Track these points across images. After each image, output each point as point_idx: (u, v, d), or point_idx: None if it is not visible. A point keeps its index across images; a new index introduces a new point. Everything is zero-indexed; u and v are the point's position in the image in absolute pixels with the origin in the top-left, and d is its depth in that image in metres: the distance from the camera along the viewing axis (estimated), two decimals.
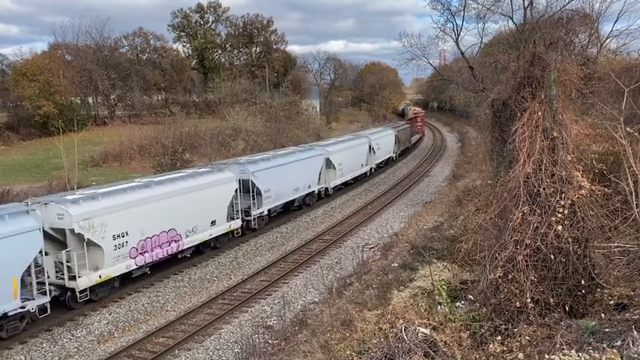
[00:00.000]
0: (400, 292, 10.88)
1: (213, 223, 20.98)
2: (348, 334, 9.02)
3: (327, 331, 10.10)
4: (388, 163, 45.16)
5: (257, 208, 24.23)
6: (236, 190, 22.46)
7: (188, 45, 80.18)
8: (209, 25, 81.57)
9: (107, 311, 16.13)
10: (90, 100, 62.64)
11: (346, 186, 34.93)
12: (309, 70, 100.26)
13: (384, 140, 42.90)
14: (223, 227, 21.74)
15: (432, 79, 64.82)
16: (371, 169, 39.79)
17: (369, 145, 38.81)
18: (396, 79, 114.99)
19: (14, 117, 52.58)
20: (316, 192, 30.17)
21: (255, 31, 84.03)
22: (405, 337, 7.29)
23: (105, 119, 59.50)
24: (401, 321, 8.21)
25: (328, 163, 31.37)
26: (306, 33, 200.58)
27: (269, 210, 25.39)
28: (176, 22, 79.22)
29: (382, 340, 7.85)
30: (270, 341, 13.43)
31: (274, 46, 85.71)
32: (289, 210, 28.01)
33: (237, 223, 22.66)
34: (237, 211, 22.79)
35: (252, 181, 23.56)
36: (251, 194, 23.68)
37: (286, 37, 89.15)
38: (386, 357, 7.12)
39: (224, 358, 13.26)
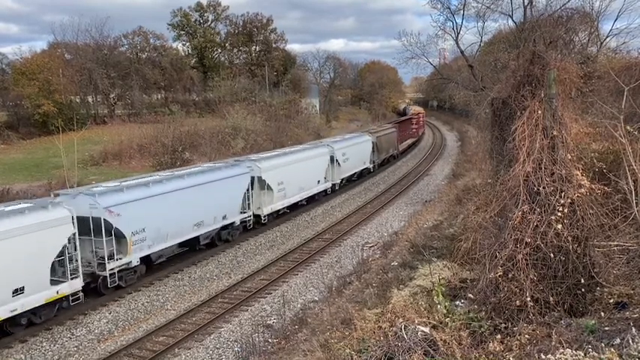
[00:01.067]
0: (400, 291, 10.87)
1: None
2: (347, 333, 9.01)
3: (327, 330, 10.11)
4: (363, 175, 38.58)
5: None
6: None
7: (188, 44, 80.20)
8: (209, 23, 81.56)
9: (107, 310, 16.13)
10: (89, 99, 62.63)
11: (295, 209, 27.86)
12: (309, 68, 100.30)
13: (354, 149, 35.61)
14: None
15: (431, 77, 63.47)
16: (334, 185, 32.35)
17: (332, 157, 31.44)
18: (395, 78, 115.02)
19: (14, 116, 52.58)
20: (237, 223, 22.93)
21: (255, 29, 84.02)
22: (405, 335, 7.29)
23: (104, 118, 59.47)
24: (401, 320, 8.21)
25: (262, 183, 24.38)
26: (307, 32, 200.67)
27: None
28: (176, 21, 79.21)
29: (382, 338, 7.85)
30: (270, 340, 13.44)
31: (274, 45, 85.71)
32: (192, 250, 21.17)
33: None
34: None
35: None
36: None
37: (286, 36, 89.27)
38: (386, 356, 7.13)
39: (224, 356, 13.27)
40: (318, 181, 29.88)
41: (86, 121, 49.27)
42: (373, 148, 39.88)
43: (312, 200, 29.67)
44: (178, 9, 79.22)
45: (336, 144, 32.95)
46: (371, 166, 39.94)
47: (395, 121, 59.17)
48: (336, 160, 31.74)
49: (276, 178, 25.28)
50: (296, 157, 27.74)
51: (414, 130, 63.70)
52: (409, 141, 58.77)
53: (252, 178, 23.72)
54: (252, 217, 23.99)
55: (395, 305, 9.37)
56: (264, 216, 24.81)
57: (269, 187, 24.87)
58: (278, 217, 26.28)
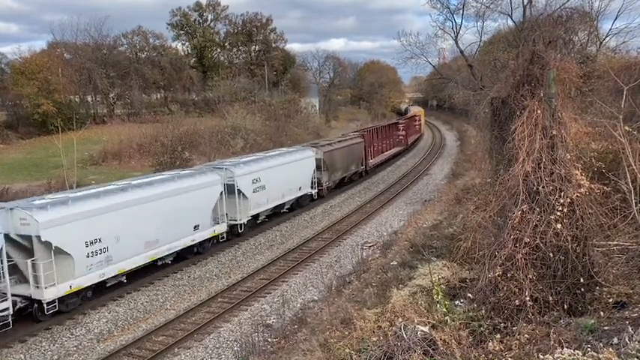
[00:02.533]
0: (399, 291, 10.88)
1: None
2: (347, 333, 9.02)
3: (327, 330, 10.11)
4: (301, 204, 28.67)
5: None
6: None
7: (187, 43, 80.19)
8: (208, 23, 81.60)
9: (106, 310, 16.13)
10: (89, 98, 62.62)
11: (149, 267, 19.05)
12: (309, 68, 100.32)
13: (281, 172, 25.56)
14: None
15: (431, 77, 63.09)
16: (240, 225, 22.93)
17: (230, 185, 22.03)
18: (395, 78, 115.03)
19: (13, 116, 52.58)
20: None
21: (255, 29, 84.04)
22: (405, 335, 7.30)
23: (104, 118, 59.47)
24: (400, 319, 8.22)
25: (57, 250, 15.03)
26: (307, 32, 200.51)
27: None
28: (175, 20, 79.24)
29: (381, 338, 7.86)
30: (269, 340, 13.44)
31: (273, 45, 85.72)
32: None
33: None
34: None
35: None
36: None
37: (285, 36, 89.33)
38: (385, 355, 7.13)
39: (223, 356, 13.27)
40: (194, 226, 19.94)
41: (85, 121, 49.28)
42: (321, 166, 30.30)
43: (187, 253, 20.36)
44: (177, 8, 79.36)
45: (244, 167, 23.41)
46: (314, 191, 29.40)
47: (368, 129, 45.12)
48: (242, 193, 22.60)
49: (78, 237, 15.96)
50: (152, 193, 18.21)
51: (400, 139, 52.38)
52: (391, 152, 48.06)
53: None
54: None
55: (394, 305, 9.38)
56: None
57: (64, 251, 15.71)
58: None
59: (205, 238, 20.85)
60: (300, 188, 28.04)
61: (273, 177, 24.86)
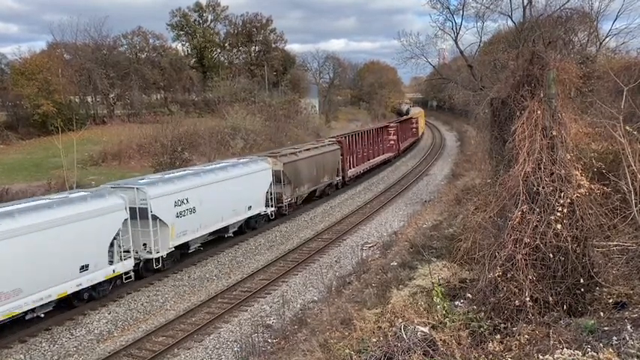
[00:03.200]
0: (399, 291, 10.89)
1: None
2: (347, 333, 9.02)
3: (327, 330, 10.11)
4: (252, 226, 23.93)
5: None
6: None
7: (187, 44, 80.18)
8: (208, 24, 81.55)
9: (106, 310, 16.12)
10: (89, 99, 62.60)
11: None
12: (309, 69, 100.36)
13: (224, 190, 21.03)
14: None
15: (431, 77, 62.90)
16: (158, 260, 18.36)
17: (143, 210, 17.78)
18: (395, 78, 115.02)
19: (13, 116, 52.56)
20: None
21: (255, 29, 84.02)
22: (405, 336, 7.30)
23: (104, 118, 59.45)
24: (400, 320, 8.22)
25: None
26: (307, 32, 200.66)
27: None
28: (175, 21, 79.22)
29: (381, 339, 7.86)
30: (269, 340, 13.44)
31: (273, 45, 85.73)
32: None
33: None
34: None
35: None
36: None
37: (285, 36, 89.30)
38: (385, 356, 7.13)
39: (223, 357, 13.26)
40: (82, 268, 15.50)
41: (85, 122, 49.27)
42: (281, 179, 25.66)
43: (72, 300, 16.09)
44: (177, 9, 79.31)
45: (156, 186, 18.43)
46: (270, 210, 24.82)
47: (346, 134, 39.59)
48: (153, 216, 17.85)
49: None
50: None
51: (391, 144, 47.71)
52: (378, 159, 42.99)
53: None
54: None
55: (394, 305, 9.39)
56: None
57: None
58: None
59: (98, 281, 16.01)
60: (249, 208, 23.10)
61: (209, 196, 20.09)
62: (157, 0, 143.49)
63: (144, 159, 39.94)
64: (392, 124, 50.91)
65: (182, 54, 78.53)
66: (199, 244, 20.92)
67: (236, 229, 22.97)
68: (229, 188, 21.39)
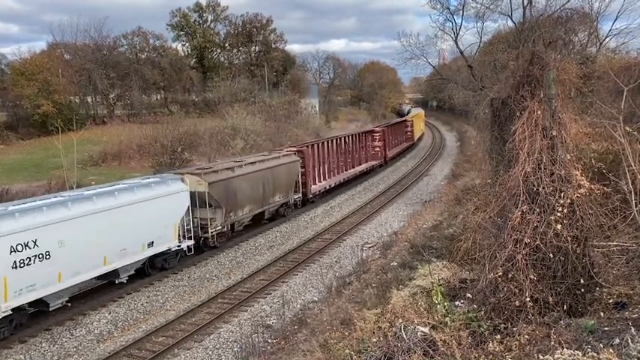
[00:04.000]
0: (399, 291, 10.88)
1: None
2: (347, 333, 9.02)
3: (327, 330, 10.11)
4: (158, 266, 18.73)
5: None
6: None
7: (187, 44, 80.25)
8: (208, 24, 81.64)
9: (106, 310, 16.12)
10: (89, 99, 62.67)
11: None
12: (309, 69, 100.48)
13: (107, 222, 15.87)
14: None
15: (431, 78, 62.57)
16: None
17: None
18: (395, 79, 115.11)
19: (13, 116, 52.64)
20: None
21: (255, 30, 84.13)
22: (405, 336, 7.29)
23: (104, 118, 59.52)
24: (400, 320, 8.22)
25: None
26: (308, 32, 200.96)
27: None
28: (175, 21, 79.30)
29: (381, 339, 7.86)
30: (269, 340, 13.44)
31: (273, 46, 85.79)
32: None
33: None
34: None
35: None
36: None
37: (285, 36, 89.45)
38: (385, 356, 7.13)
39: (223, 357, 13.26)
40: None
41: (85, 122, 49.31)
42: (207, 202, 20.37)
43: None
44: (177, 9, 79.44)
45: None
46: (187, 244, 19.48)
47: (311, 143, 33.67)
48: None
49: None
50: None
51: (376, 151, 42.74)
52: (356, 170, 37.45)
53: None
54: None
55: (394, 305, 9.38)
56: None
57: None
58: None
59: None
60: (150, 244, 17.63)
61: (78, 234, 14.92)
62: (156, 0, 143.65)
63: (144, 159, 39.97)
64: (377, 129, 45.00)
65: (182, 54, 78.63)
66: (66, 299, 15.22)
67: (132, 272, 17.44)
68: (115, 220, 16.11)
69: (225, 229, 21.82)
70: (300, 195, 28.17)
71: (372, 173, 40.46)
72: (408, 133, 57.41)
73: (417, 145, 61.38)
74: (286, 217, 26.60)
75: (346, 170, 36.12)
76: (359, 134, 41.03)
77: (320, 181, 31.62)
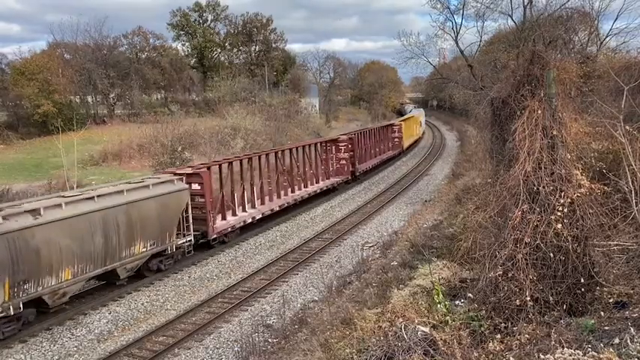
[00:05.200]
0: (400, 291, 10.89)
1: None
2: (347, 333, 9.02)
3: (327, 330, 10.11)
4: None
5: None
6: None
7: (187, 44, 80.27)
8: (208, 23, 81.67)
9: (107, 310, 16.13)
10: (89, 99, 62.68)
11: None
12: (309, 68, 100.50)
13: None
14: None
15: (431, 77, 62.32)
16: None
17: None
18: (395, 78, 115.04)
19: (13, 116, 52.69)
20: None
21: (255, 29, 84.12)
22: (405, 335, 7.29)
23: (104, 118, 59.54)
24: (400, 319, 8.22)
25: None
26: (310, 32, 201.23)
27: None
28: (175, 20, 79.30)
29: (382, 338, 7.85)
30: (269, 340, 13.43)
31: (273, 45, 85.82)
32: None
33: None
34: None
35: None
36: None
37: (286, 36, 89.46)
38: (386, 355, 7.13)
39: (224, 356, 13.26)
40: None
41: (86, 122, 49.32)
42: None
43: None
44: (177, 9, 79.49)
45: None
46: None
47: (219, 162, 24.46)
48: None
49: None
50: None
51: (342, 165, 34.75)
52: (302, 192, 29.31)
53: None
54: None
55: (395, 305, 9.39)
56: None
57: None
58: None
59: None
60: None
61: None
62: (161, 1, 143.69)
63: (144, 159, 39.97)
64: (342, 138, 35.77)
65: (182, 54, 78.66)
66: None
67: None
68: None
69: (12, 311, 13.33)
70: (192, 238, 19.80)
71: (340, 190, 33.60)
72: (395, 140, 49.69)
73: (405, 152, 53.22)
74: (288, 217, 26.47)
75: (291, 193, 28.50)
76: (315, 144, 33.32)
77: (237, 213, 23.82)
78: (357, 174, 36.79)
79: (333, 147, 34.78)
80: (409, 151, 55.66)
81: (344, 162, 35.01)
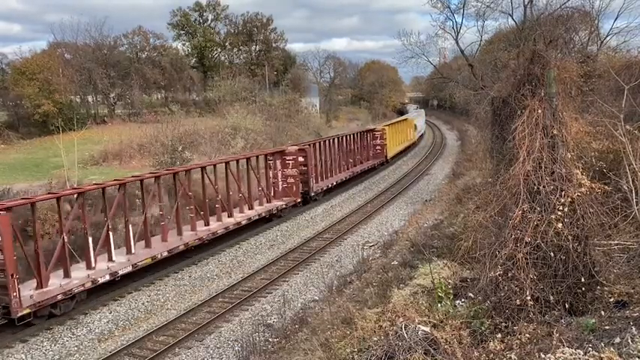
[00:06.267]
0: (400, 290, 10.88)
1: None
2: (348, 332, 9.01)
3: (328, 330, 10.11)
4: None
5: None
6: None
7: (187, 43, 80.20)
8: (208, 23, 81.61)
9: (107, 310, 16.14)
10: (89, 98, 62.65)
11: None
12: (309, 68, 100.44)
13: None
14: None
15: (431, 77, 62.25)
16: None
17: None
18: (395, 78, 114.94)
19: (14, 116, 52.63)
20: None
21: (255, 29, 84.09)
22: (406, 335, 7.28)
23: (104, 118, 59.48)
24: (401, 319, 8.21)
25: None
26: (310, 31, 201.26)
27: None
28: (175, 20, 79.27)
29: (382, 338, 7.85)
30: (270, 339, 13.45)
31: (274, 45, 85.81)
32: None
33: None
34: None
35: None
36: None
37: (286, 36, 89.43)
38: (386, 355, 7.12)
39: (224, 356, 13.27)
40: None
41: (86, 121, 49.29)
42: None
43: None
44: (178, 9, 79.43)
45: None
46: None
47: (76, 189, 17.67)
48: None
49: None
50: None
51: (289, 184, 28.15)
52: (228, 221, 22.80)
53: None
54: None
55: (395, 304, 9.38)
56: None
57: None
58: None
59: None
60: None
61: None
62: (163, 1, 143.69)
63: (145, 158, 39.92)
64: (290, 150, 28.45)
65: (182, 53, 78.53)
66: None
67: None
68: None
69: None
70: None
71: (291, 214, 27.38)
72: (377, 149, 43.59)
73: (391, 162, 46.49)
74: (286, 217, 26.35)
75: (201, 228, 21.46)
76: (248, 159, 25.67)
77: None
78: (313, 194, 29.58)
79: (279, 161, 27.88)
80: (404, 157, 51.11)
81: (292, 180, 27.87)
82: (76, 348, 13.93)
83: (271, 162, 27.75)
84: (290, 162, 28.03)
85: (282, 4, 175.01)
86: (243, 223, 23.37)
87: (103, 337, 14.54)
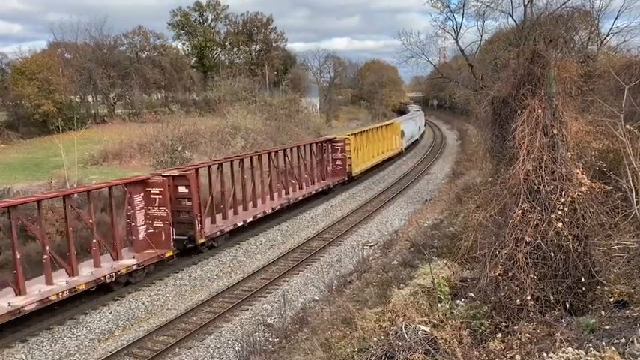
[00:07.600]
0: (400, 290, 10.88)
1: None
2: (348, 332, 9.02)
3: (328, 329, 10.12)
4: None
5: None
6: None
7: (187, 43, 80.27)
8: (208, 23, 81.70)
9: (107, 309, 16.14)
10: (89, 98, 62.69)
11: None
12: (309, 68, 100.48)
13: None
14: None
15: (431, 77, 62.36)
16: None
17: None
18: (395, 77, 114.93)
19: (14, 116, 52.68)
20: None
21: (255, 29, 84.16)
22: (406, 334, 7.29)
23: (104, 118, 59.50)
24: (401, 319, 8.22)
25: None
26: (311, 30, 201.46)
27: None
28: (175, 20, 79.33)
29: (382, 337, 7.85)
30: (270, 339, 13.45)
31: (274, 44, 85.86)
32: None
33: None
34: None
35: None
36: None
37: (286, 35, 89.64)
38: (386, 355, 7.13)
39: (225, 356, 13.28)
40: None
41: (86, 121, 49.32)
42: None
43: None
44: (178, 8, 79.55)
45: None
46: None
47: None
48: None
49: None
50: None
51: (159, 225, 18.73)
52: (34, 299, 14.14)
53: None
54: None
55: (395, 304, 9.38)
56: None
57: None
58: None
59: None
60: None
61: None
62: (160, 1, 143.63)
63: (145, 158, 39.93)
64: (155, 180, 18.95)
65: (182, 53, 78.60)
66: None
67: None
68: None
69: None
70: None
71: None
72: (338, 164, 34.42)
73: (355, 179, 36.23)
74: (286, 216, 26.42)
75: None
76: (88, 192, 17.22)
77: None
78: (201, 241, 20.52)
79: (141, 195, 18.67)
80: (382, 171, 41.85)
81: (160, 224, 18.89)
82: (76, 348, 13.93)
83: (130, 198, 18.33)
84: (157, 198, 18.83)
85: (282, 3, 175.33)
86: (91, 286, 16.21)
87: (103, 336, 14.54)
